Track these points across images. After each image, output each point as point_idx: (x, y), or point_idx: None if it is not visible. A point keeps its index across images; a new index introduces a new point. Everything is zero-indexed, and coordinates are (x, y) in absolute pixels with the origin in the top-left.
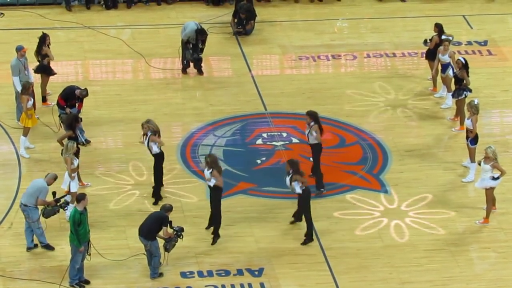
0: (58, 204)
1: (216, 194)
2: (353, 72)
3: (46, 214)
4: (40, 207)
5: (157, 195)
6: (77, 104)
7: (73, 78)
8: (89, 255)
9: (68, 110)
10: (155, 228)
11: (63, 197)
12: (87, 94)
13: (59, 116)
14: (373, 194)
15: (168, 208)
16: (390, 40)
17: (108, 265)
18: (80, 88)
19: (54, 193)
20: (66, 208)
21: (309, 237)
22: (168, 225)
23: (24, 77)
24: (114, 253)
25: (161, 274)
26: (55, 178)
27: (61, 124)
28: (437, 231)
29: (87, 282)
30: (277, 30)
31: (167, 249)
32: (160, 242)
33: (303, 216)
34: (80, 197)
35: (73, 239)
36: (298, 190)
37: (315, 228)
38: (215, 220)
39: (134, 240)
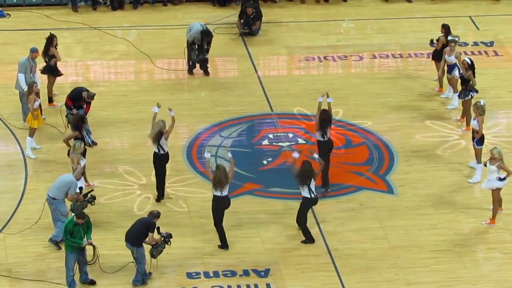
0: (85, 199)
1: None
2: (360, 73)
3: (76, 210)
4: (69, 202)
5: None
6: (84, 106)
7: (79, 79)
8: (97, 261)
9: (74, 111)
10: (142, 234)
11: (89, 192)
12: (93, 98)
13: (66, 116)
14: (379, 195)
15: (156, 215)
16: (397, 41)
17: (115, 265)
18: (87, 90)
19: (80, 189)
20: (93, 203)
21: (307, 240)
22: (156, 231)
23: (29, 79)
24: (120, 253)
25: (144, 283)
26: (82, 173)
27: (68, 124)
28: (443, 232)
29: (93, 283)
30: (283, 31)
31: (153, 255)
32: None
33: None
34: (79, 215)
35: (65, 245)
36: (306, 194)
37: (321, 229)
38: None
39: None
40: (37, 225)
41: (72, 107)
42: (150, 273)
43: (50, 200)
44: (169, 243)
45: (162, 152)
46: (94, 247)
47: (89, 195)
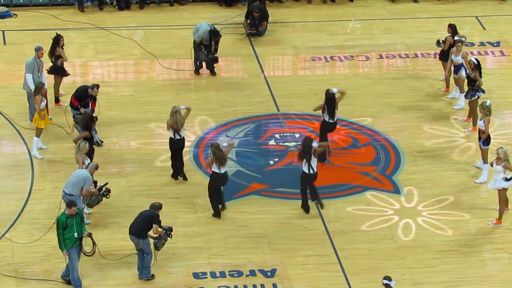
0: (100, 193)
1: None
2: (366, 73)
3: (91, 204)
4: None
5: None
6: (90, 103)
7: (86, 79)
8: (91, 254)
9: (82, 110)
10: (146, 226)
11: (104, 186)
12: (98, 88)
13: (73, 117)
14: (386, 195)
15: (158, 206)
16: (403, 41)
17: (122, 265)
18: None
19: (95, 182)
20: (108, 196)
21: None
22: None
23: (37, 79)
24: (128, 253)
25: (153, 276)
26: (96, 168)
27: (76, 125)
28: (448, 232)
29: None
30: (289, 31)
31: (157, 247)
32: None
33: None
34: (70, 204)
35: (58, 243)
36: (305, 170)
37: (327, 229)
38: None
39: None
40: (43, 225)
41: (79, 106)
42: None
43: (67, 197)
44: (170, 235)
45: (178, 137)
46: (92, 238)
47: (103, 188)
